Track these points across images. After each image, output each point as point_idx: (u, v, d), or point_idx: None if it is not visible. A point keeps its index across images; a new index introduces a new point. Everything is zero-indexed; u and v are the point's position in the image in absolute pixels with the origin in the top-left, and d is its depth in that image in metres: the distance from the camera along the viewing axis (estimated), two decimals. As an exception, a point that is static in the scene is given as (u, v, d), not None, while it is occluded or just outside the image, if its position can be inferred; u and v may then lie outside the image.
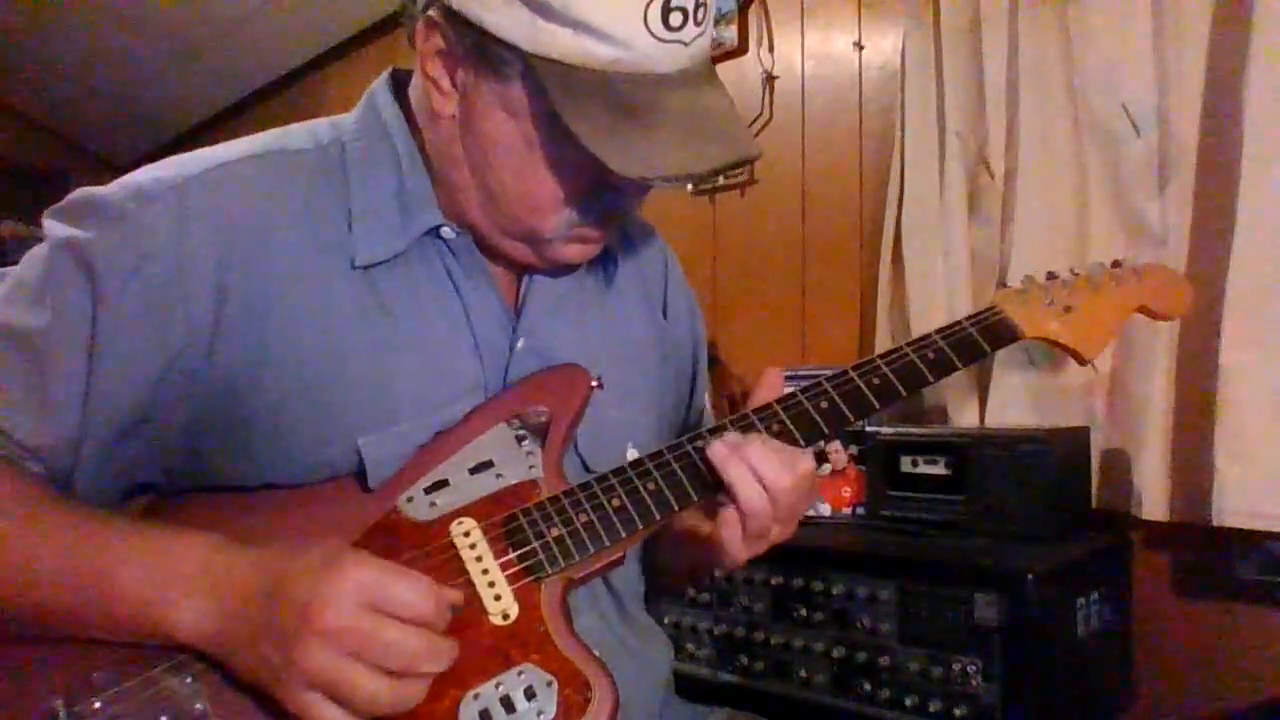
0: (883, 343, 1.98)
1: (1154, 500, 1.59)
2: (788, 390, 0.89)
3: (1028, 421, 1.72)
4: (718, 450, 0.83)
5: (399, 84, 0.93)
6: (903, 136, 1.93)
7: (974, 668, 1.33)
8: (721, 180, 2.33)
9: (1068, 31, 1.71)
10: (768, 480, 0.81)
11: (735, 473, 0.82)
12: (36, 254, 0.81)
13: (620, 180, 0.78)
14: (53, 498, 0.77)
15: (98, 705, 0.71)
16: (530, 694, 0.73)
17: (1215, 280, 1.50)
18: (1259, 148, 1.47)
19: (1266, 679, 1.55)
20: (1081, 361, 1.00)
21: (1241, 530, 1.50)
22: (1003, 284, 1.79)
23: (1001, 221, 1.81)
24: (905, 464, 1.64)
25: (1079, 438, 1.62)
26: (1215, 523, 1.48)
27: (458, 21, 0.79)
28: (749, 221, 2.33)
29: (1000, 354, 1.78)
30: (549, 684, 0.74)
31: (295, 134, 0.91)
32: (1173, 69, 1.60)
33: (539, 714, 0.72)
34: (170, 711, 0.71)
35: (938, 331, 0.94)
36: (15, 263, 0.83)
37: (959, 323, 0.95)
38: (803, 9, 2.24)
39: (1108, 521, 1.66)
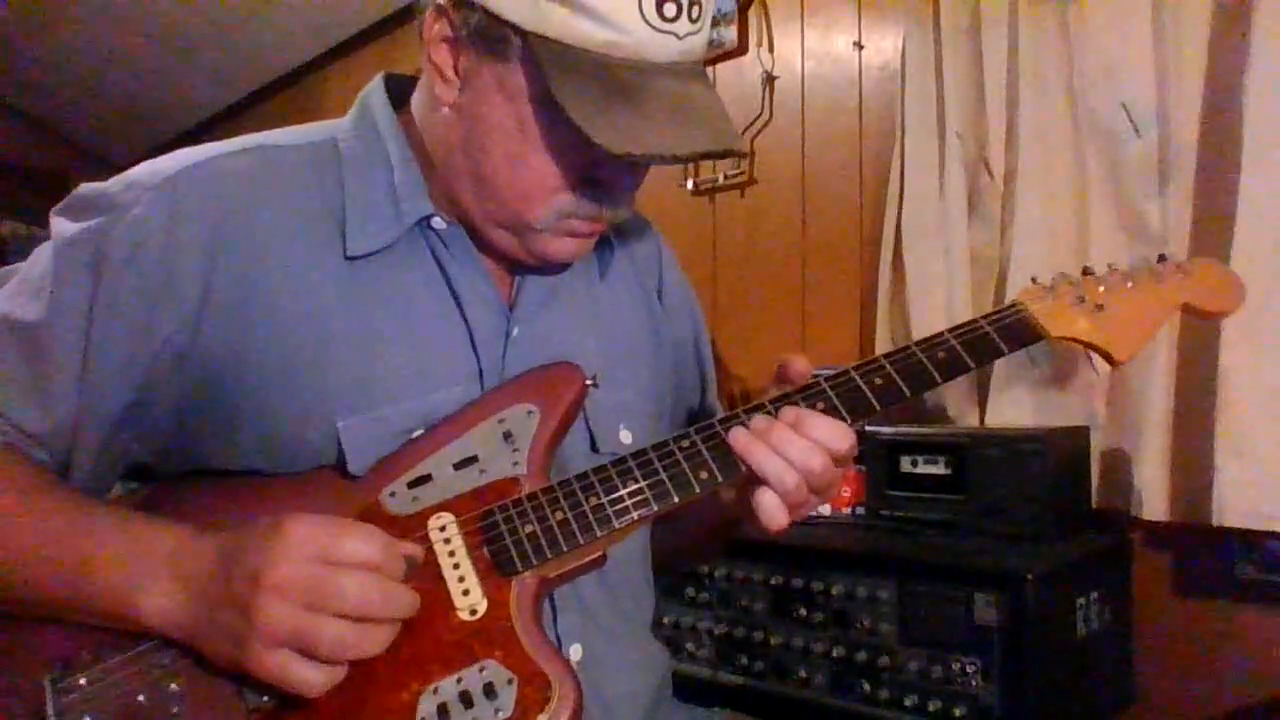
0: (883, 343, 1.98)
1: (1154, 500, 1.59)
2: (784, 391, 0.87)
3: (1028, 421, 1.72)
4: (738, 439, 0.82)
5: (394, 90, 0.95)
6: (903, 136, 1.93)
7: (973, 668, 1.33)
8: (722, 180, 2.33)
9: (1068, 31, 1.71)
10: (801, 464, 0.81)
11: (762, 460, 0.81)
12: (42, 251, 0.85)
13: (606, 158, 0.78)
14: (49, 483, 0.81)
15: (82, 682, 0.74)
16: (490, 691, 0.73)
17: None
18: (1259, 148, 1.47)
19: (1266, 679, 1.55)
20: (1113, 363, 0.94)
21: (1241, 530, 1.50)
22: (1003, 279, 1.79)
23: (1001, 221, 1.81)
24: (905, 464, 1.64)
25: (1079, 438, 1.62)
26: (1215, 523, 1.48)
27: (464, 5, 0.82)
28: (749, 221, 2.33)
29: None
30: (509, 681, 0.73)
31: (287, 133, 0.94)
32: (1173, 69, 1.60)
33: (497, 711, 0.72)
34: (147, 690, 0.73)
35: (950, 330, 0.90)
36: (12, 262, 0.87)
37: (975, 320, 0.91)
38: (803, 9, 2.23)
39: (1108, 521, 1.66)
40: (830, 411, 0.85)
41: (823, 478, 0.82)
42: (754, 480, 0.82)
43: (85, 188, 0.86)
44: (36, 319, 0.81)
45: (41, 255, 0.84)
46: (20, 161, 4.53)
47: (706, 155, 0.83)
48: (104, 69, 3.93)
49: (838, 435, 0.82)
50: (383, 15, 3.17)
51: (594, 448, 0.94)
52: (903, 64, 1.94)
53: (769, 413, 0.85)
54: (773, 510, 0.82)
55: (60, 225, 0.84)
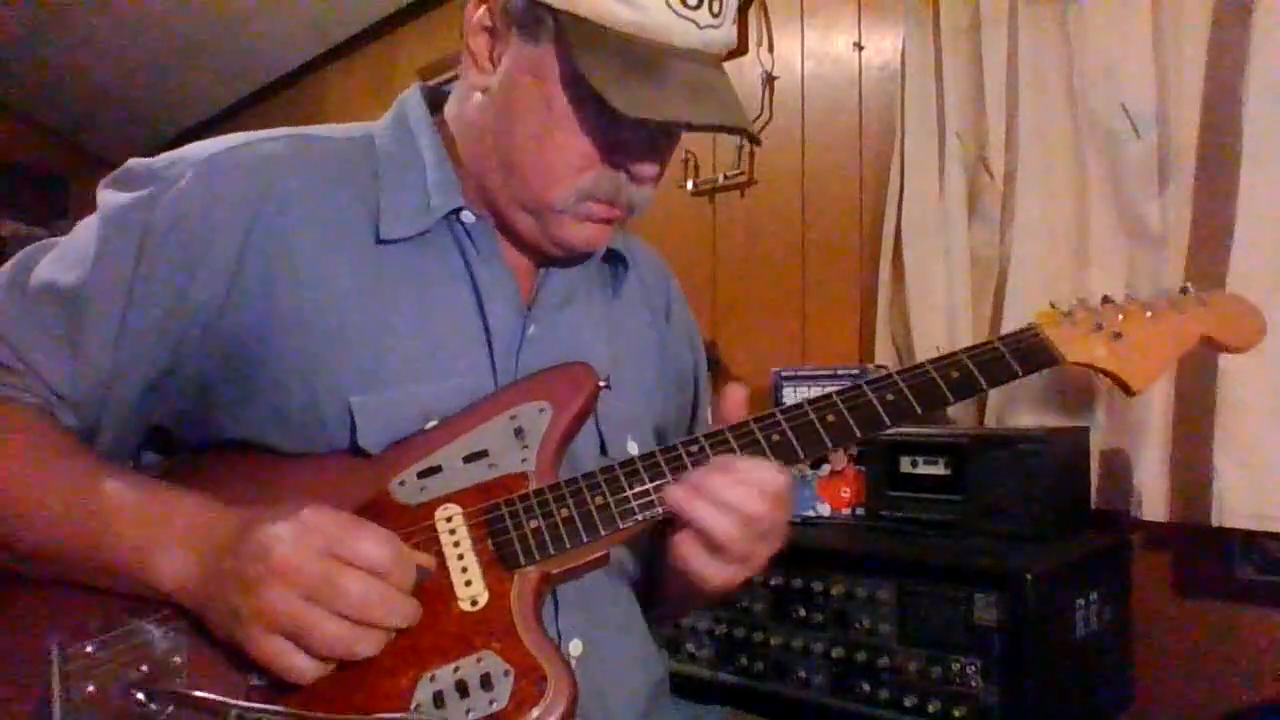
0: (883, 343, 1.98)
1: (1154, 500, 1.59)
2: (796, 402, 0.88)
3: (1028, 421, 1.72)
4: (674, 495, 0.81)
5: (428, 98, 0.99)
6: (903, 136, 1.93)
7: (973, 668, 1.33)
8: (722, 180, 2.33)
9: (1068, 31, 1.72)
10: (741, 510, 0.80)
11: (702, 513, 0.80)
12: (86, 221, 0.88)
13: (625, 125, 0.81)
14: (75, 447, 0.83)
15: (89, 650, 0.76)
16: (486, 682, 0.73)
17: (1215, 280, 1.50)
18: (1259, 148, 1.47)
19: (1266, 679, 1.55)
20: (1129, 392, 0.94)
21: (1241, 531, 1.50)
22: (1003, 279, 1.79)
23: (1001, 221, 1.81)
24: (905, 464, 1.64)
25: (1079, 438, 1.62)
26: (1215, 523, 1.48)
27: None
28: (749, 221, 2.33)
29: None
30: (505, 673, 0.74)
31: (326, 128, 0.98)
32: (1173, 69, 1.60)
33: (491, 702, 0.73)
34: (150, 660, 0.75)
35: (965, 350, 0.91)
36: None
37: (990, 341, 0.91)
38: (803, 9, 2.24)
39: (1107, 521, 1.66)
40: (839, 424, 0.86)
41: (763, 522, 0.81)
42: (699, 537, 0.81)
43: (134, 162, 0.89)
44: (78, 283, 0.84)
45: (86, 225, 0.87)
46: (20, 161, 4.53)
47: (720, 128, 0.85)
48: (104, 69, 3.93)
49: (770, 477, 0.81)
50: (383, 15, 3.17)
51: (604, 452, 0.95)
52: (903, 64, 1.94)
53: (766, 423, 0.86)
54: (706, 560, 0.81)
55: (107, 196, 0.88)
